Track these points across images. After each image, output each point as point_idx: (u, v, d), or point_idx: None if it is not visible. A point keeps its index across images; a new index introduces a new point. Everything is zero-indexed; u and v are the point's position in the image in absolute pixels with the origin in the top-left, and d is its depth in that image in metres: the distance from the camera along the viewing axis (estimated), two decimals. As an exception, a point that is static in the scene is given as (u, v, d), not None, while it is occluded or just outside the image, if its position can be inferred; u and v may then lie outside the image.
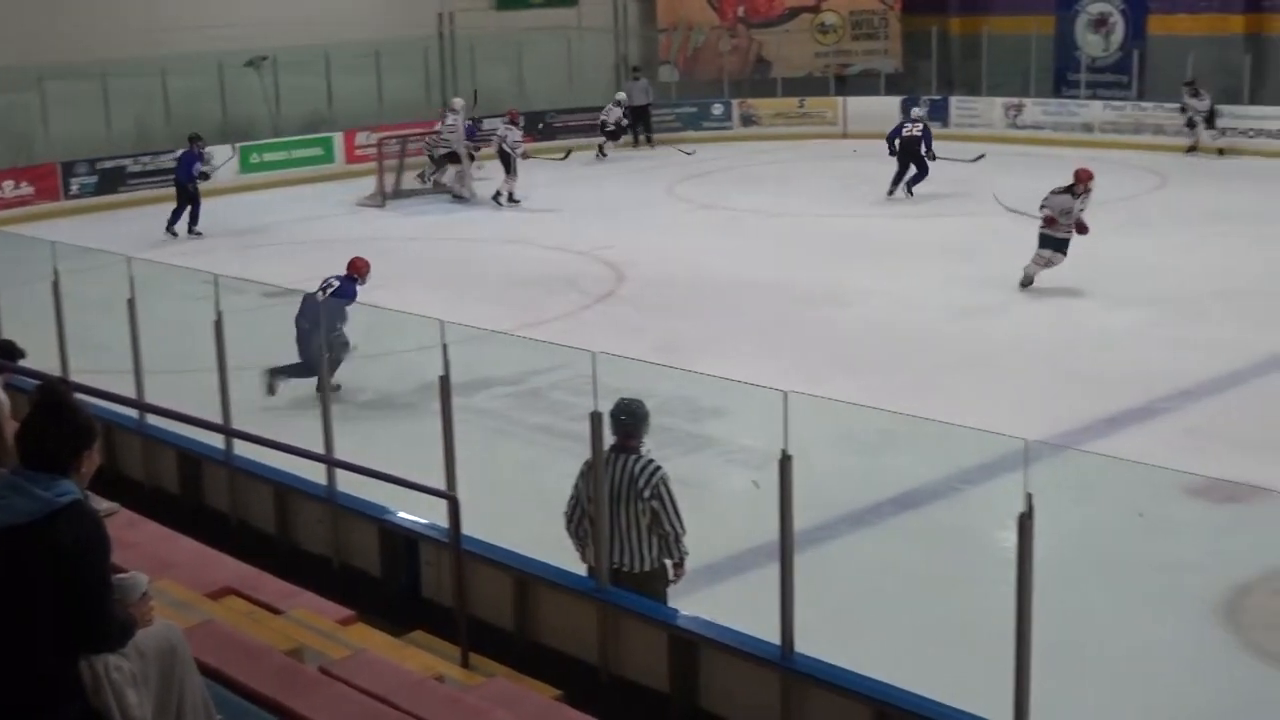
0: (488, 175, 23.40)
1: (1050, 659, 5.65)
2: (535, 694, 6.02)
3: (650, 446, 6.91)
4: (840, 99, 30.08)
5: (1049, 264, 15.31)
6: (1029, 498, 5.16)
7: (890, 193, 22.05)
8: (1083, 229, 15.30)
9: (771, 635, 6.16)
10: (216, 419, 8.77)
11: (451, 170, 23.35)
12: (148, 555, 6.67)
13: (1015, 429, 5.70)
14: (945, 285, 15.85)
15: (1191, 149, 25.51)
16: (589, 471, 6.83)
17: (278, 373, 11.75)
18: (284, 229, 20.98)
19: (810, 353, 13.19)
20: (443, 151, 23.39)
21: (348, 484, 8.19)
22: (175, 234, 20.32)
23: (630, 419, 6.81)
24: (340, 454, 8.17)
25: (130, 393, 9.33)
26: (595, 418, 6.62)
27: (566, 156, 23.99)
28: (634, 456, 6.80)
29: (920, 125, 22.26)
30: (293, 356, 11.68)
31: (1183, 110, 25.73)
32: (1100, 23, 28.62)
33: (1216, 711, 6.96)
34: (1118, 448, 9.54)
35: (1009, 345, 13.52)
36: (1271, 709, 6.91)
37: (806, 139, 29.24)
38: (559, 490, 7.12)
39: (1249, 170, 23.92)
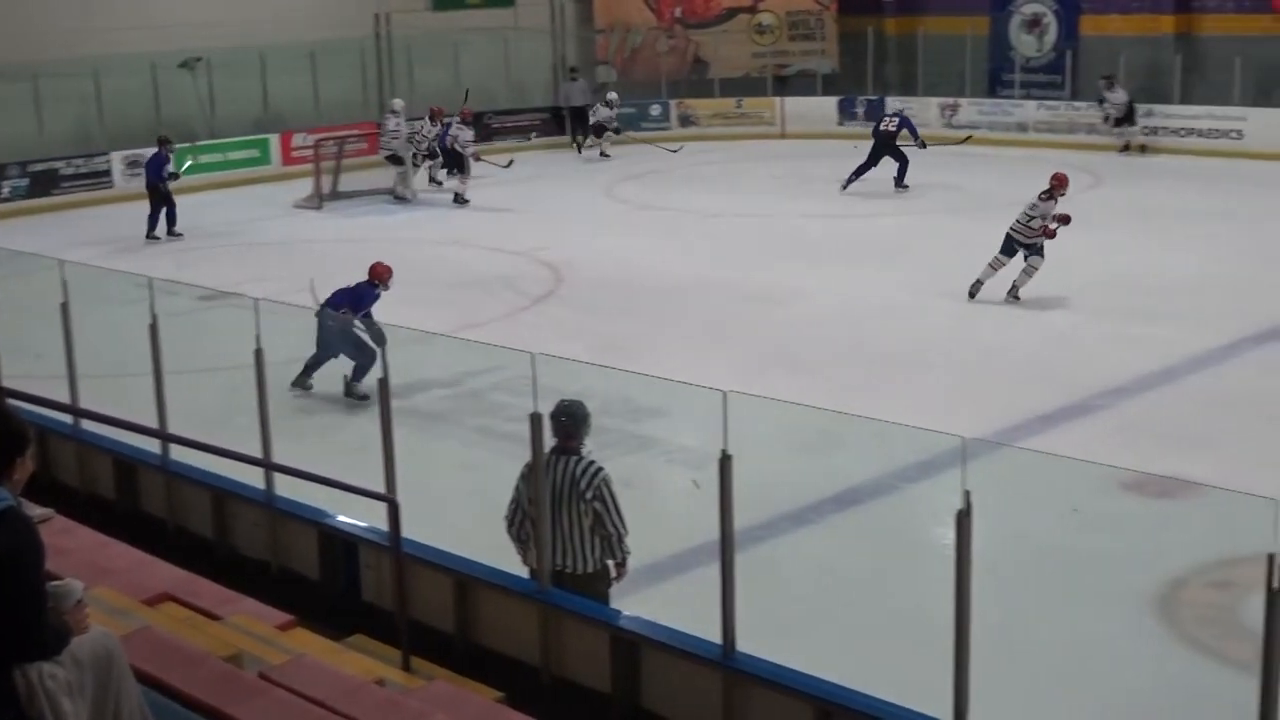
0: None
1: (989, 654, 5.69)
2: (477, 696, 6.01)
3: (591, 447, 6.89)
4: (778, 99, 30.20)
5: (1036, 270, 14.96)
6: (967, 495, 5.20)
7: (845, 186, 22.15)
8: (1050, 233, 15.01)
9: (713, 635, 6.17)
10: (152, 424, 8.69)
11: (395, 171, 23.28)
12: (83, 562, 6.60)
13: (953, 427, 5.76)
14: (884, 284, 15.94)
15: (1125, 148, 25.84)
16: (530, 473, 6.80)
17: (351, 384, 11.91)
18: (220, 231, 20.79)
19: (750, 352, 13.23)
20: (386, 154, 23.36)
21: (286, 488, 8.14)
22: (158, 238, 20.04)
23: (570, 420, 6.80)
24: (278, 458, 8.11)
25: (64, 398, 9.23)
26: (535, 419, 6.59)
27: (509, 165, 23.92)
28: (575, 458, 6.78)
29: (897, 120, 22.43)
30: (237, 362, 11.57)
31: (1101, 104, 26.11)
32: (1034, 23, 28.90)
33: (1153, 703, 7.05)
34: (1054, 444, 9.62)
35: (947, 344, 13.61)
36: (1205, 700, 7.00)
37: (744, 139, 29.36)
38: (499, 492, 7.09)
39: (1181, 169, 24.23)
